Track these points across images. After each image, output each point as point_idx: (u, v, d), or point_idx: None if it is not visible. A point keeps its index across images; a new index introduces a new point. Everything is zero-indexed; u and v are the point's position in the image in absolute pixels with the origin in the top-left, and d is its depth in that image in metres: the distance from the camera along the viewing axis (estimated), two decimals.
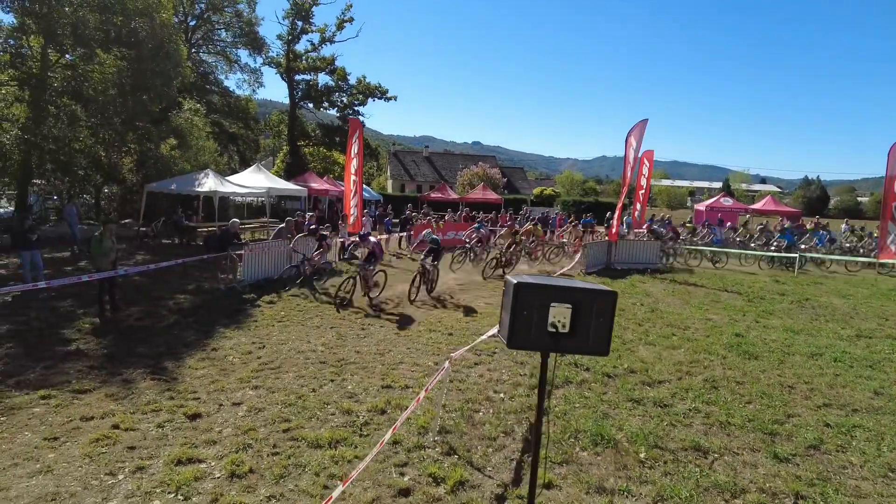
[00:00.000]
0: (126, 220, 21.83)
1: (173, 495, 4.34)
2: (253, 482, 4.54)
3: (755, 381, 7.44)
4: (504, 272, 14.88)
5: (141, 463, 4.80)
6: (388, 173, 54.46)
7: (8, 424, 5.47)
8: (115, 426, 5.49)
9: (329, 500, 3.08)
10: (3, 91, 17.48)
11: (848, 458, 5.33)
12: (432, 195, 38.03)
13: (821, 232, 23.46)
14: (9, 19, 17.95)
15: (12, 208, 20.02)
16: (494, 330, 6.72)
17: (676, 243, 19.69)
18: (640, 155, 18.55)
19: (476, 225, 18.19)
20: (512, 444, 5.36)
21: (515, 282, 2.58)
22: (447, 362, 5.45)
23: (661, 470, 5.00)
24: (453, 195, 37.78)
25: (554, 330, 2.58)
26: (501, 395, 6.57)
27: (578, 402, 6.37)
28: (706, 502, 4.49)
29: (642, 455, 5.23)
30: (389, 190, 49.32)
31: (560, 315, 2.57)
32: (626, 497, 4.55)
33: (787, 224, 23.48)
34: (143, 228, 19.80)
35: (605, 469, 4.97)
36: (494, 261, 15.09)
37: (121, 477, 4.59)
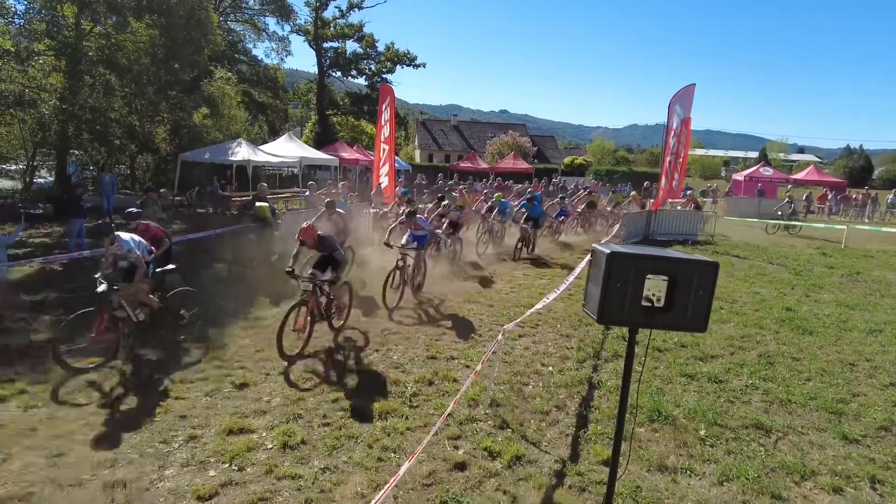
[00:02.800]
0: (161, 190, 22.04)
1: (227, 465, 4.31)
2: (306, 453, 4.49)
3: (813, 358, 7.13)
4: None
5: (193, 432, 4.79)
6: (416, 143, 53.94)
7: (63, 392, 5.53)
8: (165, 394, 5.51)
9: (397, 477, 2.97)
10: (40, 61, 17.57)
11: None
12: (462, 164, 37.57)
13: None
14: None
15: (52, 178, 20.38)
16: (541, 304, 6.55)
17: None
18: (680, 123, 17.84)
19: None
20: (565, 419, 5.21)
21: (608, 251, 2.36)
22: (500, 334, 5.29)
23: (723, 448, 4.80)
24: (483, 164, 37.26)
25: (649, 304, 2.37)
26: (550, 368, 6.41)
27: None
28: (775, 483, 4.28)
29: (702, 432, 5.03)
30: (417, 160, 48.85)
31: (655, 288, 2.36)
32: (690, 476, 4.38)
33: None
34: (178, 198, 19.97)
35: (665, 446, 4.79)
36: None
37: (175, 445, 4.59)
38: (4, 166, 20.16)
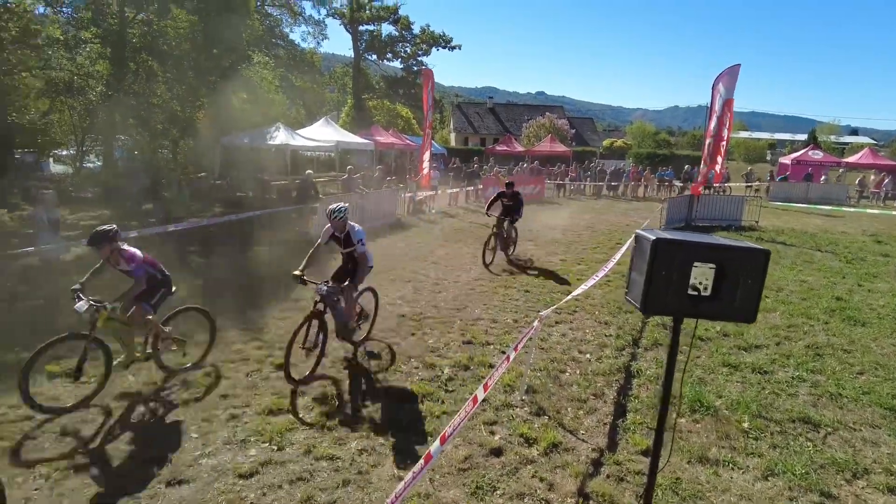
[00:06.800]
0: (202, 174, 22.56)
1: (267, 444, 4.40)
2: (343, 435, 4.55)
3: (866, 350, 6.81)
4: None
5: (234, 412, 4.90)
6: (451, 126, 53.65)
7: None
8: (206, 374, 5.65)
9: (429, 460, 2.97)
10: (87, 49, 18.13)
11: None
12: (497, 148, 37.21)
13: None
14: None
15: (100, 163, 21.09)
16: (580, 290, 6.43)
17: None
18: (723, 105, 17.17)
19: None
20: (603, 408, 5.13)
21: (653, 238, 2.26)
22: (536, 321, 5.22)
23: (767, 442, 4.64)
24: (519, 148, 36.81)
25: (696, 293, 2.27)
26: (587, 355, 6.31)
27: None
28: (824, 480, 4.12)
29: (745, 425, 4.87)
30: (452, 143, 48.64)
31: (702, 276, 2.26)
32: (733, 469, 4.25)
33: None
34: (219, 182, 20.40)
35: (707, 438, 4.66)
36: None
37: (215, 424, 4.70)
38: (57, 151, 20.96)
